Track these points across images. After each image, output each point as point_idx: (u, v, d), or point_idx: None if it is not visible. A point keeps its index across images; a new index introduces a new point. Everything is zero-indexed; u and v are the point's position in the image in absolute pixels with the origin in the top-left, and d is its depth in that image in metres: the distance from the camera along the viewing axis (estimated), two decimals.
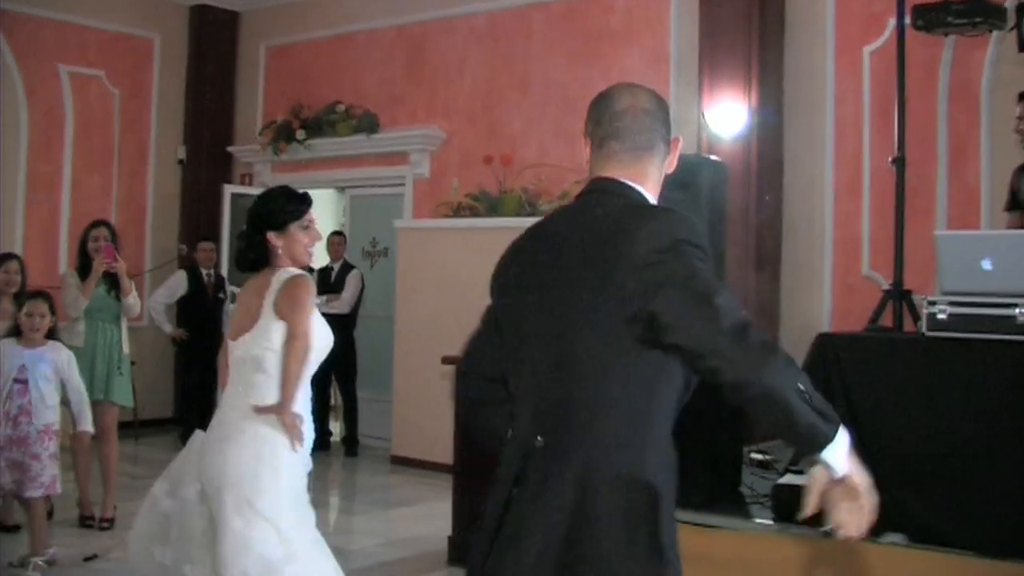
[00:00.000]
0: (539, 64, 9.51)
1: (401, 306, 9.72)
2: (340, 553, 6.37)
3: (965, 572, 4.60)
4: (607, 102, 2.51)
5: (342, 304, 9.74)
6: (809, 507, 2.29)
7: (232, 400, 4.11)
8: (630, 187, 2.45)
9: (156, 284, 10.70)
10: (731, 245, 6.65)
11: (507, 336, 2.49)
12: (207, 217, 11.42)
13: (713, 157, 6.53)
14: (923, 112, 7.36)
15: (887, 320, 5.83)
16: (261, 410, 3.99)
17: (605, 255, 2.28)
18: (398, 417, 9.74)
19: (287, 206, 4.06)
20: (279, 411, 3.98)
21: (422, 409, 9.25)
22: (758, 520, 5.24)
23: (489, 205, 9.26)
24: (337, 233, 10.68)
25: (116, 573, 6.11)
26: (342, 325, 8.71)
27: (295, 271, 4.07)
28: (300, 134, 11.03)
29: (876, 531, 4.84)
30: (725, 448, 5.69)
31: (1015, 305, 4.65)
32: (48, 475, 5.90)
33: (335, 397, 10.73)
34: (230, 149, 12.06)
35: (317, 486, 4.33)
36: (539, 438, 2.32)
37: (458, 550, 6.33)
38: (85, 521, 7.05)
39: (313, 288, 4.13)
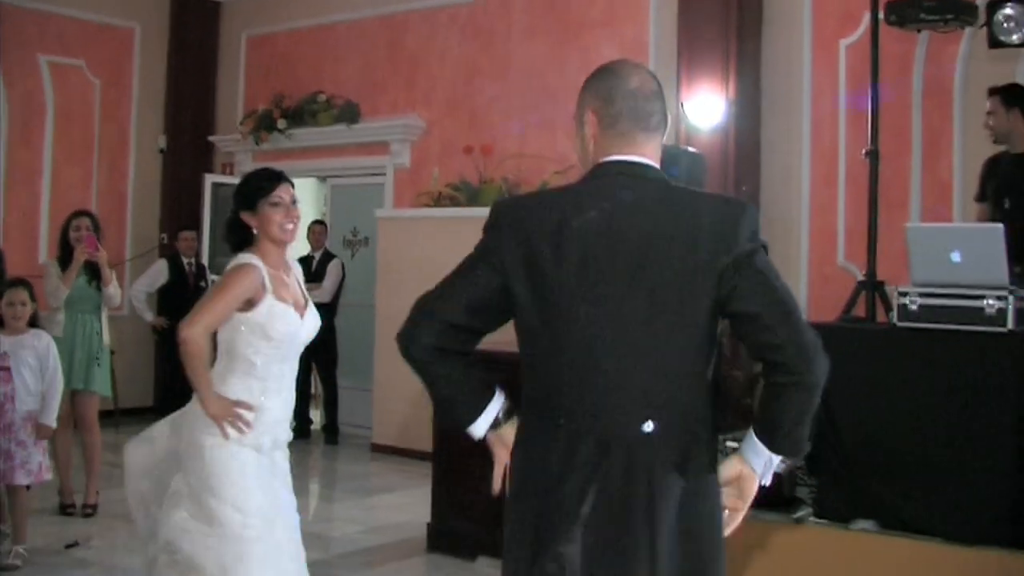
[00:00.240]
0: (519, 54, 9.55)
1: (381, 295, 9.77)
2: (321, 540, 6.47)
3: (935, 559, 4.68)
4: (617, 80, 2.50)
5: (323, 293, 9.78)
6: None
7: None
8: (655, 168, 2.50)
9: (137, 273, 10.69)
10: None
11: (554, 310, 2.39)
12: (188, 206, 11.40)
13: (691, 148, 6.60)
14: (898, 106, 7.45)
15: (860, 311, 5.92)
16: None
17: (698, 241, 2.37)
18: (378, 406, 9.81)
19: (256, 184, 4.01)
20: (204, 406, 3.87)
21: (402, 398, 9.31)
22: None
23: (469, 195, 9.32)
24: (318, 222, 10.72)
25: (97, 560, 6.17)
26: (323, 314, 8.66)
27: (244, 259, 3.92)
28: (281, 123, 11.03)
29: (847, 518, 4.98)
30: None
31: (983, 296, 4.74)
32: (35, 462, 5.90)
33: (315, 386, 10.78)
34: (211, 138, 12.04)
35: (298, 473, 4.29)
36: (650, 423, 2.37)
37: (437, 537, 6.41)
38: (66, 509, 7.08)
39: (249, 278, 3.87)
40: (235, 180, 9.84)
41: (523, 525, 2.44)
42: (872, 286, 5.89)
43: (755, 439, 2.45)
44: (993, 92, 5.92)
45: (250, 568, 3.76)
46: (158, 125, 11.92)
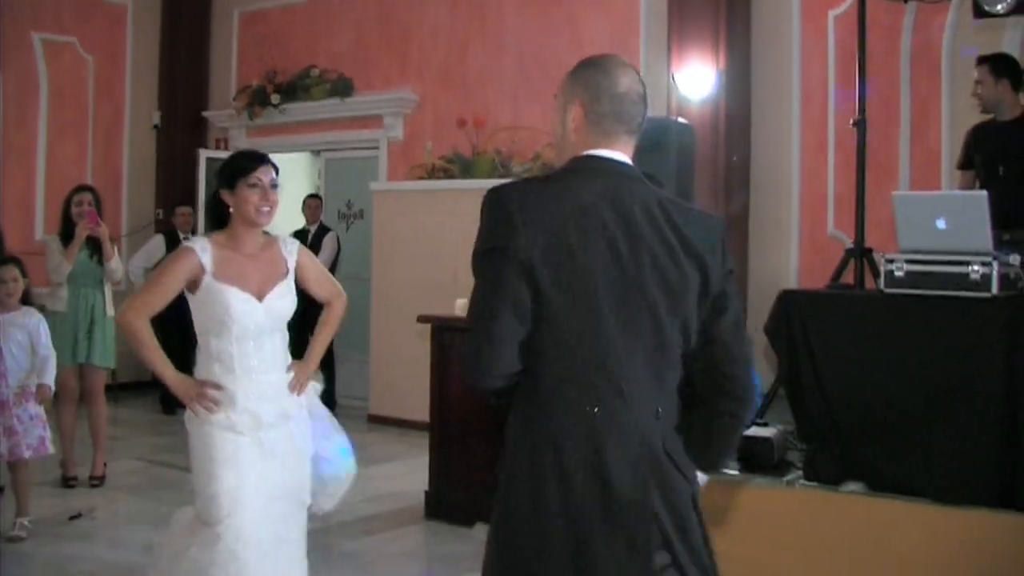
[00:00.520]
0: (512, 27, 9.59)
1: (377, 267, 9.86)
2: None
3: (922, 519, 4.76)
4: (607, 79, 2.56)
5: None
6: None
7: None
8: (634, 169, 2.59)
9: (133, 249, 10.74)
10: (699, 205, 6.79)
11: (572, 304, 2.42)
12: (183, 182, 11.48)
13: (681, 119, 6.66)
14: (886, 75, 7.52)
15: (849, 278, 6.00)
16: None
17: (691, 246, 2.50)
18: (375, 377, 9.91)
19: (237, 164, 4.01)
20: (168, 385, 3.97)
21: (399, 369, 9.42)
22: (724, 470, 5.41)
23: (463, 167, 9.38)
24: (313, 196, 10.76)
25: (101, 531, 6.24)
26: None
27: (187, 243, 3.99)
28: (275, 98, 11.08)
29: (837, 480, 5.07)
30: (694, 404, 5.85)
31: (968, 263, 4.81)
32: (34, 436, 5.93)
33: None
34: (205, 114, 12.08)
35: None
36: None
37: (435, 505, 6.52)
38: (68, 482, 7.15)
39: (181, 262, 3.89)
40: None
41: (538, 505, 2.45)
42: (860, 253, 5.97)
43: (702, 461, 2.66)
44: (982, 61, 5.97)
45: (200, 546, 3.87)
46: (152, 101, 11.96)
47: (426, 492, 6.60)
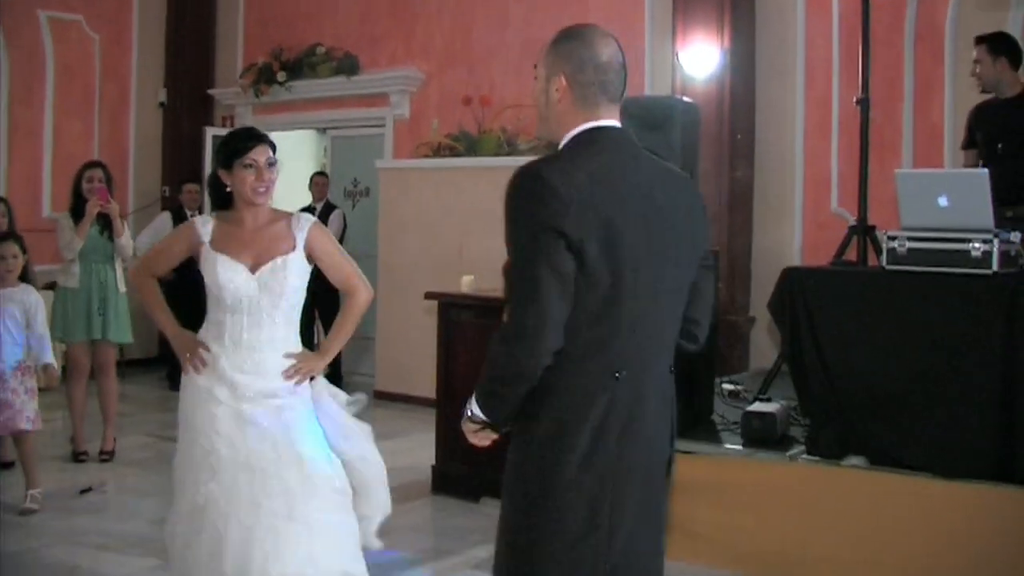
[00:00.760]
0: (517, 4, 9.59)
1: (383, 245, 9.91)
2: None
3: (923, 493, 4.83)
4: (589, 49, 2.61)
5: None
6: None
7: None
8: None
9: (140, 226, 10.76)
10: (704, 183, 6.85)
11: (611, 278, 2.48)
12: (189, 160, 11.50)
13: (685, 98, 6.69)
14: (890, 53, 7.53)
15: (852, 255, 6.04)
16: None
17: (695, 216, 2.72)
18: (381, 353, 9.97)
19: (233, 145, 4.00)
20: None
21: (405, 345, 9.47)
22: (728, 445, 5.50)
23: (469, 145, 9.40)
24: (320, 174, 10.78)
25: (111, 505, 6.32)
26: None
27: (195, 219, 4.11)
28: (281, 76, 11.09)
29: (839, 455, 5.13)
30: (700, 380, 5.92)
31: (969, 240, 4.86)
32: (31, 408, 5.96)
33: (319, 335, 10.89)
34: (211, 92, 12.08)
35: None
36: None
37: (442, 479, 6.59)
38: (78, 457, 7.20)
39: (180, 234, 4.16)
40: None
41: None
42: (863, 231, 6.00)
43: None
44: (980, 41, 5.98)
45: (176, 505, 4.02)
46: (158, 79, 11.98)
47: (433, 467, 6.67)
